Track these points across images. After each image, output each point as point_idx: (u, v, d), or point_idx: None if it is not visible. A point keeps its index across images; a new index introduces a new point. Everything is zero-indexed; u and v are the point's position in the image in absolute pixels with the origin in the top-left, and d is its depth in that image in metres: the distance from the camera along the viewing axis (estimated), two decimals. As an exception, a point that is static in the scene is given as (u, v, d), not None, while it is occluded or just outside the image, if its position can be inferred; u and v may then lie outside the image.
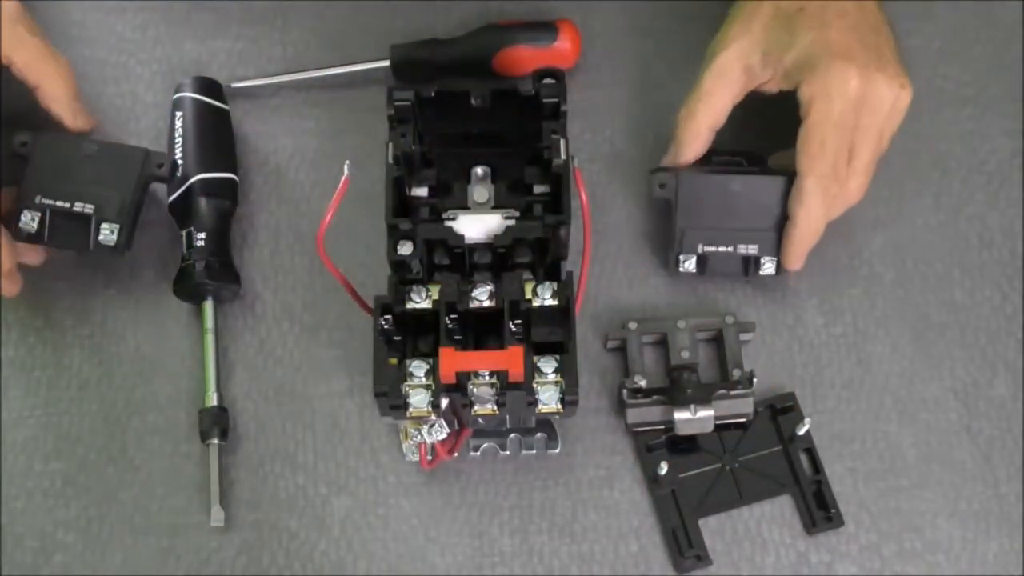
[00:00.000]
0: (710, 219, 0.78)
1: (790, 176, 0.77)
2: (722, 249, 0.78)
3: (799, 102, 0.75)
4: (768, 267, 0.79)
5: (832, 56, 0.74)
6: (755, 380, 0.75)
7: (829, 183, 0.75)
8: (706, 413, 0.75)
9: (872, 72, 0.74)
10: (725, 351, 0.78)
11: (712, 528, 0.75)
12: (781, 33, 0.76)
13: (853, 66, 0.74)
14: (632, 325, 0.78)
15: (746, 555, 0.75)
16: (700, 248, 0.78)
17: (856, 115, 0.75)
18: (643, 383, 0.76)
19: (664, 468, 0.75)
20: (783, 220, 0.78)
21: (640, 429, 0.77)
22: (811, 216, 0.76)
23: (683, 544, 0.75)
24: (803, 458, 0.77)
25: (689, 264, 0.79)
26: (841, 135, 0.75)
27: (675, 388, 0.76)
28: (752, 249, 0.78)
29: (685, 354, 0.78)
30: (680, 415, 0.75)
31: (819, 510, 0.76)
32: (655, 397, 0.75)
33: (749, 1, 0.78)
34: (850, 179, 0.76)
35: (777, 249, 0.78)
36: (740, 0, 0.79)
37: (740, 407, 0.76)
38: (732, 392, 0.75)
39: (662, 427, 0.76)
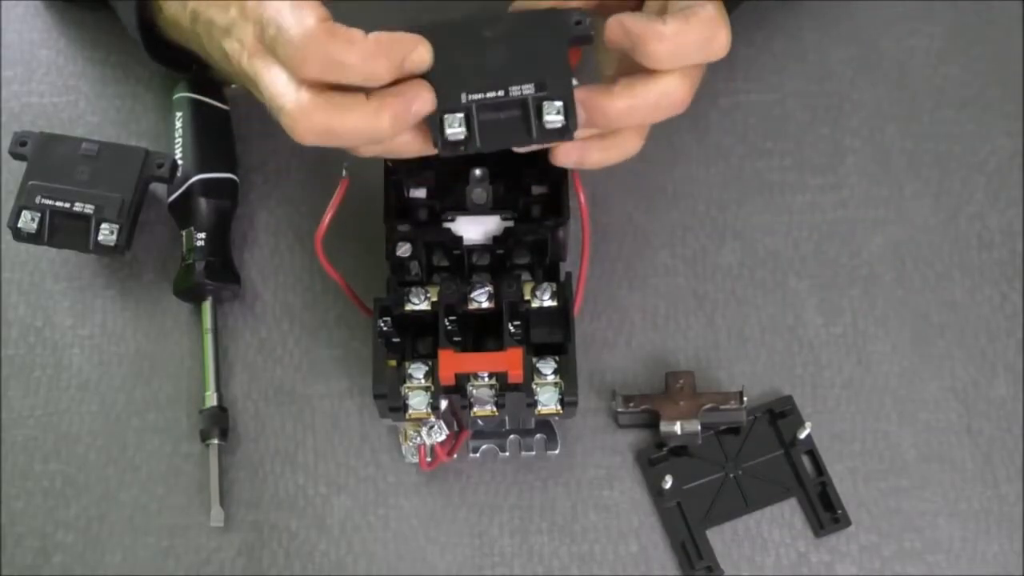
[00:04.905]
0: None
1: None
2: (490, 95, 0.64)
3: None
4: (554, 116, 0.64)
5: None
6: (746, 400, 0.75)
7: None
8: (693, 428, 0.75)
9: None
10: None
11: (714, 534, 0.75)
12: None
13: None
14: None
15: (746, 556, 0.75)
16: (465, 98, 0.64)
17: None
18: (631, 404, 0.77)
19: (669, 482, 0.75)
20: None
21: (629, 425, 0.77)
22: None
23: (693, 556, 0.74)
24: (805, 461, 0.77)
25: (457, 127, 0.64)
26: None
27: (667, 397, 0.76)
28: (527, 89, 0.65)
29: None
30: (666, 428, 0.75)
31: (826, 512, 0.76)
32: (645, 408, 0.76)
33: None
34: None
35: (566, 92, 0.64)
36: None
37: (730, 417, 0.76)
38: (723, 407, 0.75)
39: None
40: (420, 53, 0.64)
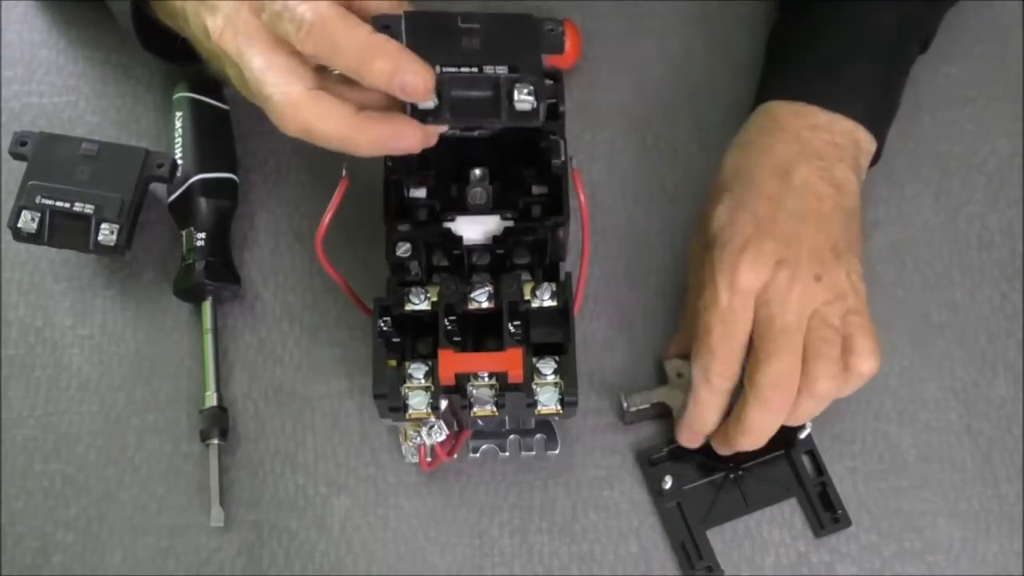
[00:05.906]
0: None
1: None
2: (464, 70, 0.66)
3: None
4: (525, 99, 0.65)
5: (726, 244, 0.71)
6: None
7: (717, 378, 0.71)
8: None
9: (767, 267, 0.70)
10: None
11: (714, 534, 0.75)
12: (712, 205, 0.74)
13: (746, 258, 0.70)
14: None
15: (746, 556, 0.75)
16: (439, 69, 0.65)
17: (744, 309, 0.70)
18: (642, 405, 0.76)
19: (668, 482, 0.75)
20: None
21: (637, 421, 0.77)
22: (697, 405, 0.72)
23: (693, 556, 0.74)
24: (805, 461, 0.77)
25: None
26: (729, 327, 0.70)
27: (671, 388, 0.76)
28: (501, 70, 0.66)
29: None
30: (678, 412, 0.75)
31: (826, 512, 0.76)
32: (655, 401, 0.76)
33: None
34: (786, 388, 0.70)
35: (538, 79, 0.66)
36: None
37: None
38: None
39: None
40: (419, 79, 0.64)
